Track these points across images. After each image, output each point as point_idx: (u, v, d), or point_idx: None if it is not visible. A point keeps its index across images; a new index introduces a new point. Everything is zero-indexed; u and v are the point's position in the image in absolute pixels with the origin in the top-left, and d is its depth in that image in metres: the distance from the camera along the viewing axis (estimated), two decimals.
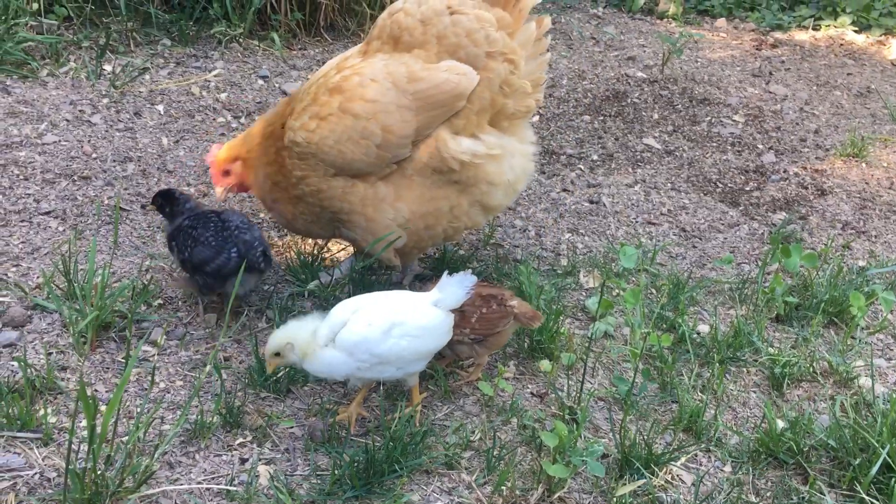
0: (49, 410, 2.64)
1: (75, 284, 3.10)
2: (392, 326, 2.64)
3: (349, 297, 3.33)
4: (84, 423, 2.64)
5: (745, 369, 3.25)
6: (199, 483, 2.50)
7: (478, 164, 3.17)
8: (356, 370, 2.66)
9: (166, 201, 3.30)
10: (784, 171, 5.02)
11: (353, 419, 2.77)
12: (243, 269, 2.91)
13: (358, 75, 3.11)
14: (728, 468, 2.80)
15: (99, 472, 2.28)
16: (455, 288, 2.70)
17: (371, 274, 3.52)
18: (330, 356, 2.64)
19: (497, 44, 3.15)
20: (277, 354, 2.63)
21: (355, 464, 2.52)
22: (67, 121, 4.49)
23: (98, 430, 2.26)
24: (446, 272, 2.73)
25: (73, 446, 2.55)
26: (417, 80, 3.09)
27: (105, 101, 4.75)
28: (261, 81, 5.30)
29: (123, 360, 2.96)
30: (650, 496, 2.60)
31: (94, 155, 4.26)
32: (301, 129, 3.15)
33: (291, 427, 2.75)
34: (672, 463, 2.74)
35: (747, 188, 4.83)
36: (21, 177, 3.95)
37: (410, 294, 2.81)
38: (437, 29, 3.12)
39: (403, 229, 3.24)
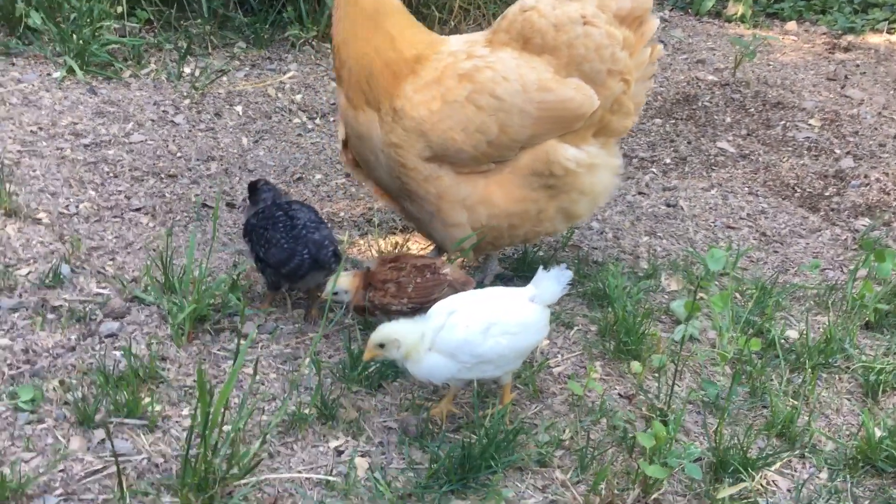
0: (154, 398, 2.72)
1: (172, 278, 3.18)
2: (490, 325, 2.65)
3: None
4: (185, 411, 2.73)
5: (836, 376, 3.21)
6: (298, 472, 2.55)
7: (578, 172, 3.22)
8: (458, 372, 2.67)
9: (250, 191, 3.43)
10: (864, 177, 4.93)
11: (445, 415, 2.80)
12: (315, 266, 3.07)
13: (491, 69, 3.13)
14: (824, 475, 2.77)
15: (209, 460, 2.33)
16: (551, 282, 2.70)
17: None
18: (434, 361, 2.65)
19: (619, 63, 3.20)
20: (381, 346, 2.66)
21: (451, 459, 2.55)
22: (152, 121, 4.61)
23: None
24: (541, 267, 2.74)
25: (176, 433, 2.63)
26: (546, 91, 3.13)
27: (186, 101, 4.86)
28: (333, 83, 5.37)
29: (218, 352, 3.03)
30: (749, 500, 2.57)
31: (178, 154, 4.36)
32: (421, 105, 3.15)
33: (385, 421, 2.79)
34: (767, 468, 2.71)
35: (827, 193, 4.75)
36: (111, 174, 4.07)
37: (506, 290, 2.82)
38: (569, 37, 3.15)
39: (476, 230, 3.26)
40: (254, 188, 3.42)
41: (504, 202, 3.22)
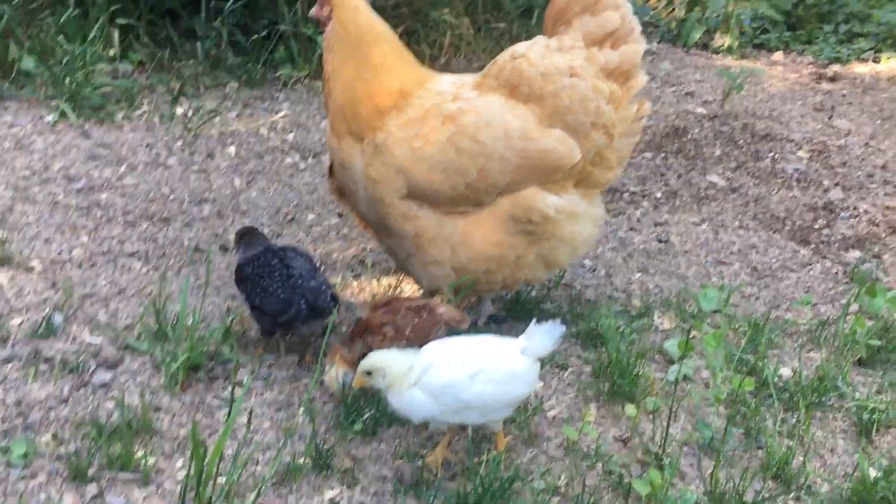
0: (147, 451, 2.70)
1: (166, 326, 3.18)
2: (477, 372, 2.66)
3: None
4: (179, 463, 2.72)
5: (830, 415, 3.21)
6: None
7: (558, 220, 3.24)
8: (439, 414, 2.69)
9: (238, 238, 3.45)
10: (853, 208, 4.97)
11: (440, 463, 2.79)
12: (312, 314, 3.10)
13: (475, 113, 3.16)
14: None
15: None
16: (542, 336, 2.71)
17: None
18: (415, 397, 2.67)
19: (604, 116, 3.23)
20: (369, 373, 2.68)
21: None
22: (145, 163, 4.63)
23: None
24: (534, 320, 2.75)
25: (169, 487, 2.62)
26: (528, 140, 3.16)
27: (179, 143, 4.89)
28: (325, 122, 5.41)
29: (212, 400, 3.02)
30: None
31: (171, 197, 4.38)
32: (403, 142, 3.18)
33: (380, 469, 2.78)
34: None
35: (816, 226, 4.78)
36: (104, 218, 4.07)
37: (498, 339, 2.83)
38: (556, 87, 3.18)
39: (455, 270, 3.28)
40: (241, 237, 3.43)
41: (481, 245, 3.24)
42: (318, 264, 3.33)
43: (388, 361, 2.67)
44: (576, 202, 3.29)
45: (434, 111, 3.20)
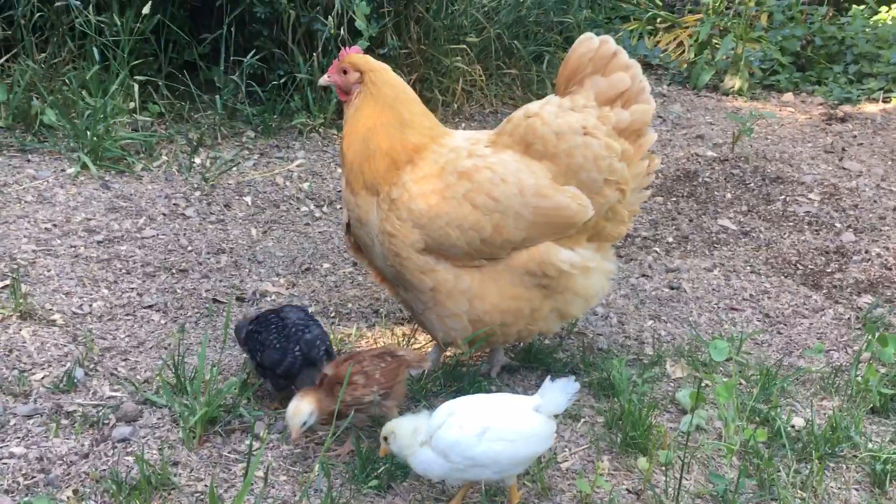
0: None
1: (184, 380, 3.24)
2: (485, 430, 2.69)
3: (441, 387, 3.45)
4: None
5: (844, 465, 3.21)
6: None
7: (572, 274, 3.30)
8: (450, 471, 2.74)
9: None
10: (865, 252, 4.98)
11: None
12: (306, 364, 3.19)
13: (490, 170, 3.24)
14: None
15: None
16: (556, 393, 2.75)
17: (461, 366, 3.59)
18: (426, 456, 2.74)
19: (617, 174, 3.31)
20: (385, 439, 2.79)
21: None
22: (164, 214, 4.72)
23: None
24: (549, 377, 2.79)
25: None
26: (543, 197, 3.23)
27: (197, 193, 4.99)
28: (339, 170, 5.51)
29: (229, 454, 3.06)
30: None
31: (189, 248, 4.46)
32: (420, 198, 3.25)
33: None
34: None
35: (828, 270, 4.80)
36: (124, 271, 4.16)
37: (512, 397, 2.87)
38: (569, 146, 3.26)
39: (472, 323, 3.33)
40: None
41: (498, 299, 3.29)
42: (315, 319, 3.39)
43: (394, 425, 2.78)
44: (589, 257, 3.36)
45: (449, 167, 3.28)
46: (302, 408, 2.94)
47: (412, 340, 3.81)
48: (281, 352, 3.17)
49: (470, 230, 3.22)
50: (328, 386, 3.02)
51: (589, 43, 3.34)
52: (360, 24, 5.53)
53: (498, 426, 2.69)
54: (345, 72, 3.38)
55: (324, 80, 3.47)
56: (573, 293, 3.35)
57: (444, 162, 3.29)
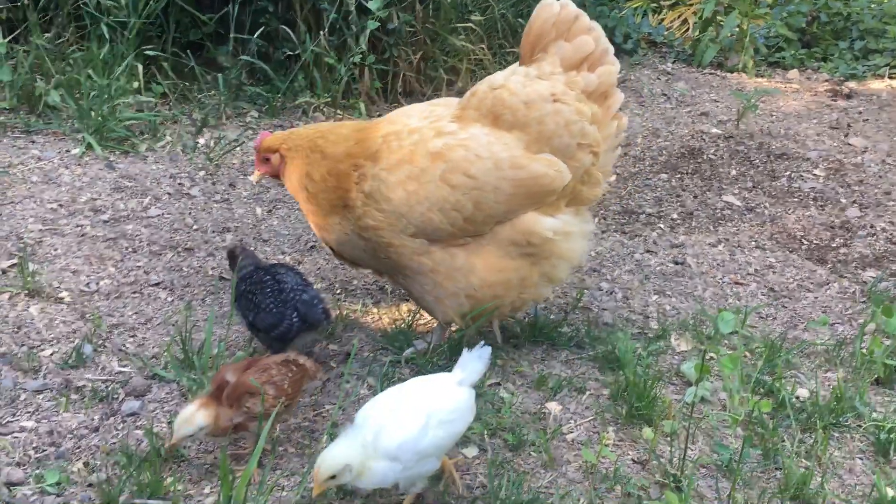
0: (176, 478, 2.78)
1: (192, 355, 3.26)
2: (428, 418, 2.59)
3: (447, 361, 3.46)
4: (207, 489, 2.79)
5: (848, 435, 3.23)
6: None
7: (556, 240, 3.32)
8: (402, 472, 2.57)
9: (230, 258, 3.66)
10: (870, 227, 4.98)
11: None
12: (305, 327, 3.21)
13: (463, 148, 3.22)
14: None
15: None
16: (476, 363, 2.75)
17: (466, 343, 3.60)
18: (381, 467, 2.54)
19: (588, 137, 3.33)
20: (334, 477, 2.49)
21: None
22: (169, 194, 4.74)
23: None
24: (466, 349, 2.81)
25: None
26: (519, 168, 3.23)
27: (202, 173, 5.00)
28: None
29: None
30: None
31: (195, 226, 4.48)
32: (397, 186, 3.24)
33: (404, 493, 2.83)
34: None
35: (833, 245, 4.80)
36: (130, 249, 4.18)
37: (432, 379, 2.81)
38: (540, 113, 3.25)
39: (468, 299, 3.35)
40: (232, 256, 3.61)
41: (486, 272, 3.31)
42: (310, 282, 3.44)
43: (346, 455, 2.50)
44: (570, 221, 3.39)
45: (420, 150, 3.24)
46: (195, 419, 2.72)
47: (417, 316, 3.83)
48: (277, 316, 3.19)
49: (452, 211, 3.22)
50: (236, 395, 2.80)
51: (550, 8, 3.31)
52: (373, 3, 5.52)
53: (437, 410, 2.61)
54: (266, 159, 3.50)
55: (255, 177, 3.62)
56: (558, 257, 3.38)
57: (411, 144, 3.26)
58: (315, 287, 3.37)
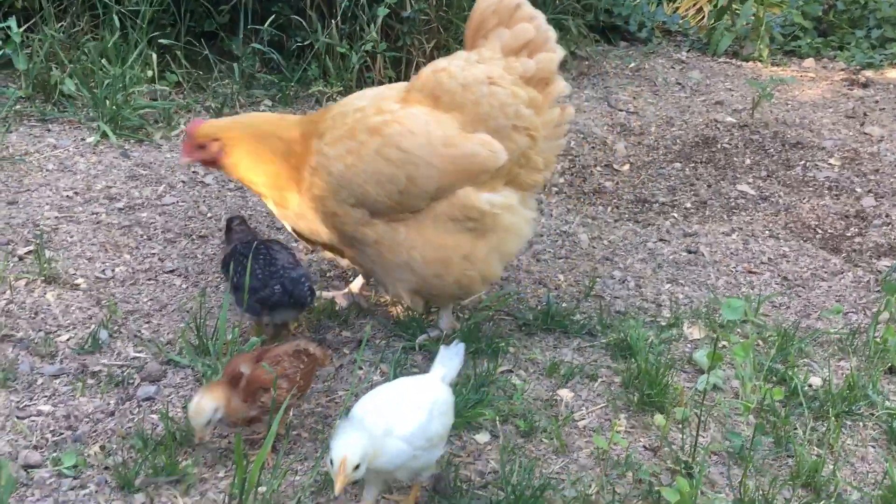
0: (190, 461, 2.81)
1: (206, 341, 3.29)
2: (432, 406, 2.63)
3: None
4: (221, 473, 2.82)
5: (860, 423, 3.22)
6: None
7: (495, 213, 3.38)
8: (412, 459, 2.57)
9: (227, 228, 3.78)
10: (886, 216, 4.95)
11: None
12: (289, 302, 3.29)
13: (399, 124, 3.33)
14: None
15: None
16: (455, 360, 2.81)
17: (479, 329, 3.62)
18: (393, 446, 2.54)
19: (524, 120, 3.39)
20: (358, 466, 2.46)
21: None
22: (183, 182, 4.76)
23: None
24: (443, 346, 2.86)
25: (213, 496, 2.72)
26: (451, 146, 3.32)
27: None
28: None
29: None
30: None
31: (209, 214, 4.51)
32: (337, 160, 3.35)
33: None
34: None
35: (848, 234, 4.78)
36: (145, 237, 4.21)
37: (418, 378, 2.85)
38: (476, 96, 3.35)
39: (413, 273, 3.42)
40: (229, 226, 3.74)
41: (425, 250, 3.37)
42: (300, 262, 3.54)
43: (360, 445, 2.46)
44: (510, 196, 3.43)
45: (360, 126, 3.37)
46: (204, 405, 2.72)
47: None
48: (262, 282, 3.28)
49: (387, 183, 3.31)
50: (252, 390, 2.81)
51: None
52: None
53: (437, 400, 2.66)
54: (202, 146, 3.51)
55: (184, 161, 3.62)
56: (504, 230, 3.42)
57: (353, 122, 3.39)
58: (308, 268, 3.46)
